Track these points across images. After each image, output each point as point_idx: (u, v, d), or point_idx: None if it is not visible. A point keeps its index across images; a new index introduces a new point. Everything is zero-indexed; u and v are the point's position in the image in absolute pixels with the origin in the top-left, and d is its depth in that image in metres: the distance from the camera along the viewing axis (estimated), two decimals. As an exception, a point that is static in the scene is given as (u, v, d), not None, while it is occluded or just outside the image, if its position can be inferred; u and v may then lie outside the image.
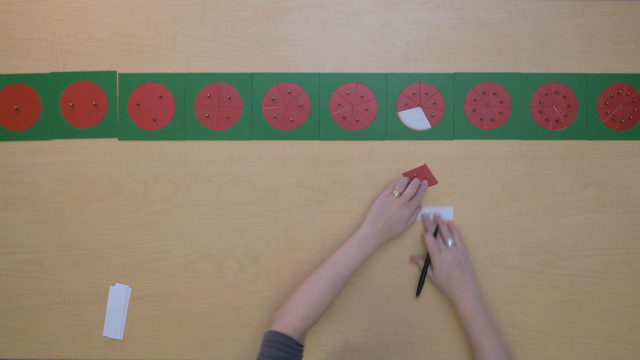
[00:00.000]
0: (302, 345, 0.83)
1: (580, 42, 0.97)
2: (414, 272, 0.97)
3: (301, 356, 0.82)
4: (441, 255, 0.91)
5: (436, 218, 0.96)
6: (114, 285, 0.97)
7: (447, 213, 0.97)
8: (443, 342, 0.97)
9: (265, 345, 0.80)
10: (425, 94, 0.97)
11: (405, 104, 0.97)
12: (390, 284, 0.97)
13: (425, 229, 0.96)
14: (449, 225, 0.96)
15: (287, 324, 0.82)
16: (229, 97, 0.97)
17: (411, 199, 0.92)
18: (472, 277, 0.92)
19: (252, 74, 0.97)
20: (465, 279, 0.90)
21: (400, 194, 0.92)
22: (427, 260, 0.94)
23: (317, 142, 0.97)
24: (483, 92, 0.97)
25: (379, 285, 0.97)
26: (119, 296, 0.96)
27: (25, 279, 0.97)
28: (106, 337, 0.97)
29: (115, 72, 0.97)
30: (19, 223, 0.97)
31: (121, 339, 0.97)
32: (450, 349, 0.96)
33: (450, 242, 0.93)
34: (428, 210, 0.97)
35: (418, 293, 0.95)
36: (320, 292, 0.85)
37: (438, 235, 0.95)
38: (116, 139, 0.97)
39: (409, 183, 0.93)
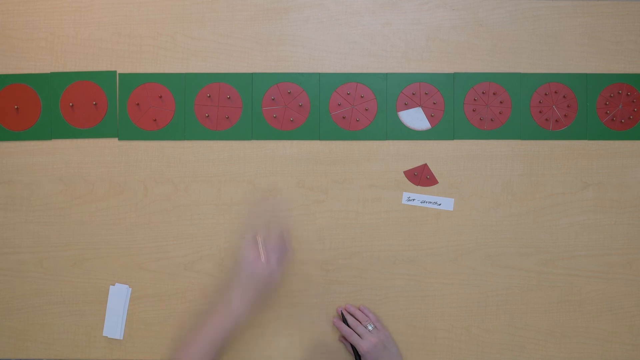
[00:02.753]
0: None
1: (580, 42, 0.97)
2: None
3: None
4: (365, 342, 0.88)
5: (346, 307, 0.94)
6: (114, 285, 0.97)
7: (448, 204, 0.96)
8: (443, 342, 0.97)
9: None
10: (425, 94, 0.97)
11: (405, 104, 0.97)
12: (390, 284, 0.97)
13: (338, 315, 0.95)
14: (361, 309, 0.94)
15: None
16: (229, 97, 0.97)
17: (279, 258, 0.86)
18: (399, 355, 0.91)
19: (252, 74, 0.97)
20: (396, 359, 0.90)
21: (265, 257, 0.84)
22: (355, 348, 0.91)
23: (317, 142, 0.97)
24: (483, 92, 0.97)
25: (380, 286, 0.97)
26: (119, 296, 0.96)
27: (25, 279, 0.97)
28: (106, 337, 0.97)
29: (115, 72, 0.97)
30: (19, 223, 0.97)
31: (121, 339, 0.97)
32: (450, 349, 0.96)
33: (370, 327, 0.90)
34: (429, 199, 0.96)
35: None
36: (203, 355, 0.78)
37: (354, 320, 0.92)
38: (116, 139, 0.97)
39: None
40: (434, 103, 0.97)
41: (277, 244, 0.88)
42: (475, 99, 0.97)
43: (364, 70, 0.97)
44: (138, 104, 0.97)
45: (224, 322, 0.82)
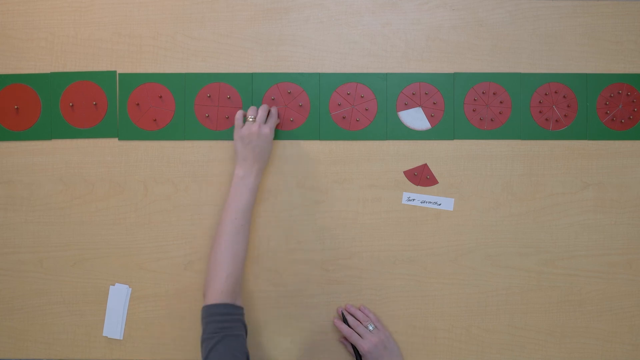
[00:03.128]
0: (240, 307, 0.83)
1: (580, 42, 0.97)
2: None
3: (242, 318, 0.81)
4: (366, 342, 0.88)
5: (346, 307, 0.95)
6: (114, 285, 0.97)
7: (448, 204, 0.96)
8: (443, 342, 0.97)
9: (204, 323, 0.80)
10: (425, 94, 0.97)
11: (405, 104, 0.97)
12: (390, 284, 0.97)
13: (339, 316, 0.95)
14: (361, 309, 0.95)
15: (213, 293, 0.82)
16: (229, 97, 0.97)
17: (266, 120, 0.92)
18: (400, 355, 0.91)
19: (252, 74, 0.97)
20: (396, 359, 0.90)
21: (255, 118, 0.90)
22: (355, 348, 0.91)
23: (317, 142, 0.97)
24: (483, 92, 0.97)
25: (380, 286, 0.97)
26: (119, 296, 0.96)
27: (25, 279, 0.97)
28: (106, 337, 0.97)
29: (115, 72, 0.97)
30: (19, 223, 0.97)
31: (121, 339, 0.97)
32: (450, 349, 0.96)
33: (371, 327, 0.90)
34: (429, 199, 0.96)
35: None
36: (228, 247, 0.84)
37: (354, 320, 0.92)
38: (116, 139, 0.97)
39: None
40: (434, 103, 0.97)
41: (265, 109, 0.92)
42: (475, 99, 0.97)
43: (364, 70, 0.97)
44: (138, 104, 0.97)
45: (238, 192, 0.88)
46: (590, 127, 0.97)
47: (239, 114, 0.92)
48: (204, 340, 0.79)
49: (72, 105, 0.97)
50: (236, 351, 0.77)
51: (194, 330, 0.96)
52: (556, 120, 0.97)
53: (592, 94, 0.97)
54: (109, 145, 0.97)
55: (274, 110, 0.94)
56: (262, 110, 0.91)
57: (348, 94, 0.97)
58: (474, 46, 0.97)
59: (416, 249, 0.97)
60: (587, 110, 0.97)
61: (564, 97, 0.97)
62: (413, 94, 0.97)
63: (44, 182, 0.97)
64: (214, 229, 0.96)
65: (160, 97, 0.97)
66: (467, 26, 0.98)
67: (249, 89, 0.97)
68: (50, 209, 0.97)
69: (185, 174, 0.97)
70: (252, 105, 0.96)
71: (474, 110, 0.97)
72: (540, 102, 0.97)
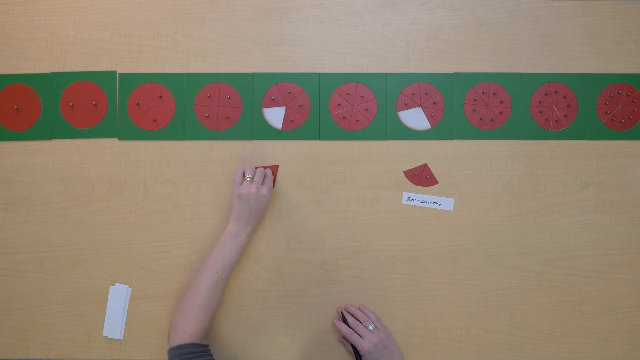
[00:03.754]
0: (206, 345, 0.84)
1: (580, 42, 0.98)
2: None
3: (210, 355, 0.82)
4: (366, 341, 0.88)
5: (346, 307, 0.95)
6: (114, 285, 0.97)
7: (448, 204, 0.96)
8: (443, 342, 0.97)
9: None
10: (425, 94, 0.97)
11: (405, 104, 0.97)
12: (390, 284, 0.97)
13: (338, 316, 0.95)
14: (361, 308, 0.95)
15: (182, 334, 0.83)
16: (229, 97, 0.97)
17: (263, 182, 0.92)
18: (400, 355, 0.91)
19: (252, 74, 0.97)
20: (397, 359, 0.90)
21: (252, 178, 0.91)
22: (355, 348, 0.91)
23: (317, 142, 0.97)
24: (483, 92, 0.97)
25: (380, 286, 0.97)
26: (119, 296, 0.96)
27: (25, 279, 0.97)
28: (106, 337, 0.97)
29: (115, 72, 0.97)
30: (19, 223, 0.97)
31: (121, 339, 0.97)
32: (450, 349, 0.96)
33: (371, 327, 0.91)
34: (429, 199, 0.97)
35: None
36: (205, 295, 0.85)
37: (354, 320, 0.92)
38: (116, 139, 0.97)
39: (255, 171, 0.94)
40: (434, 103, 0.97)
41: (262, 172, 0.93)
42: (475, 99, 0.97)
43: (364, 70, 0.97)
44: (138, 104, 0.97)
45: (226, 248, 0.88)
46: (590, 127, 0.97)
47: (239, 172, 0.93)
48: None
49: (72, 105, 0.97)
50: None
51: (194, 330, 0.96)
52: (556, 120, 0.97)
53: (592, 94, 0.97)
54: (109, 145, 0.97)
55: (269, 172, 0.94)
56: (260, 172, 0.92)
57: (348, 94, 0.97)
58: (474, 46, 0.97)
59: (416, 249, 0.97)
60: (587, 110, 0.97)
61: (564, 97, 0.97)
62: (413, 94, 0.97)
63: (44, 182, 0.97)
64: (214, 229, 0.96)
65: (160, 97, 0.97)
66: (467, 26, 0.98)
67: (249, 89, 0.97)
68: (50, 209, 0.97)
69: (185, 174, 0.97)
70: (251, 104, 0.96)
71: (474, 110, 0.97)
72: (540, 102, 0.97)
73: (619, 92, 0.97)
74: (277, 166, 0.96)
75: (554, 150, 0.97)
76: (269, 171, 0.95)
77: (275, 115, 0.97)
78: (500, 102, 0.97)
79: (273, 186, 0.96)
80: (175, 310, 0.88)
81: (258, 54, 0.97)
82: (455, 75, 0.97)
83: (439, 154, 0.97)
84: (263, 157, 0.97)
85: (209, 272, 0.87)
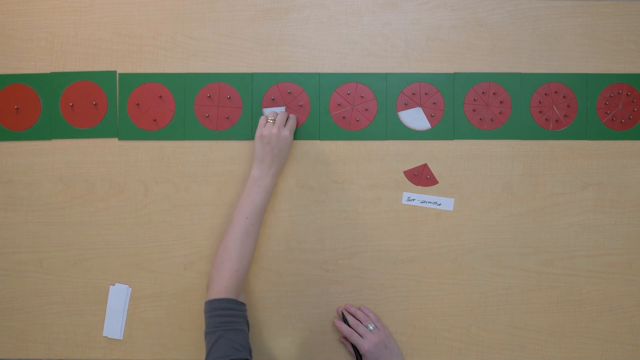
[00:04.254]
0: (242, 304, 0.83)
1: (580, 42, 0.97)
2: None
3: (244, 314, 0.82)
4: (366, 341, 0.88)
5: (346, 307, 0.95)
6: (114, 285, 0.97)
7: (448, 204, 0.96)
8: (443, 342, 0.97)
9: (207, 317, 0.80)
10: (425, 94, 0.97)
11: (405, 104, 0.97)
12: (390, 284, 0.97)
13: (339, 316, 0.95)
14: (361, 308, 0.95)
15: (218, 288, 0.82)
16: (229, 97, 0.97)
17: (285, 124, 0.92)
18: (400, 354, 0.91)
19: (252, 74, 0.97)
20: (397, 358, 0.90)
21: (275, 120, 0.91)
22: (355, 348, 0.91)
23: (317, 142, 0.97)
24: (483, 92, 0.97)
25: (380, 286, 0.97)
26: (119, 296, 0.96)
27: (25, 279, 0.97)
28: (106, 337, 0.97)
29: (115, 72, 0.97)
30: (19, 223, 0.97)
31: (121, 339, 0.97)
32: (450, 349, 0.96)
33: (371, 327, 0.91)
34: (429, 199, 0.97)
35: None
36: (238, 244, 0.85)
37: (354, 319, 0.92)
38: (116, 139, 0.97)
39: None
40: (434, 103, 0.97)
41: (284, 114, 0.92)
42: (475, 99, 0.97)
43: (364, 70, 0.97)
44: (138, 104, 0.97)
45: (252, 192, 0.88)
46: (590, 127, 0.97)
47: (263, 118, 0.93)
48: (207, 334, 0.79)
49: (72, 105, 0.97)
50: (238, 345, 0.77)
51: (194, 330, 0.96)
52: (556, 120, 0.97)
53: (592, 94, 0.97)
54: (109, 145, 0.97)
55: (292, 116, 0.94)
56: (282, 114, 0.92)
57: (348, 94, 0.97)
58: (474, 46, 0.97)
59: (416, 249, 0.97)
60: (587, 110, 0.97)
61: (564, 97, 0.97)
62: (413, 94, 0.97)
63: (44, 182, 0.97)
64: (214, 229, 0.96)
65: (160, 97, 0.97)
66: (467, 26, 0.98)
67: (249, 89, 0.97)
68: (50, 209, 0.97)
69: (185, 174, 0.97)
70: (251, 104, 0.96)
71: (474, 110, 0.97)
72: (540, 102, 0.97)
73: (619, 92, 0.97)
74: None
75: (554, 150, 0.97)
76: (292, 116, 0.94)
77: (275, 115, 0.97)
78: (500, 102, 0.97)
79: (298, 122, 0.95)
80: (212, 265, 0.88)
81: (258, 54, 0.97)
82: (455, 75, 0.97)
83: (439, 154, 0.97)
84: (263, 157, 0.97)
85: (238, 219, 0.86)
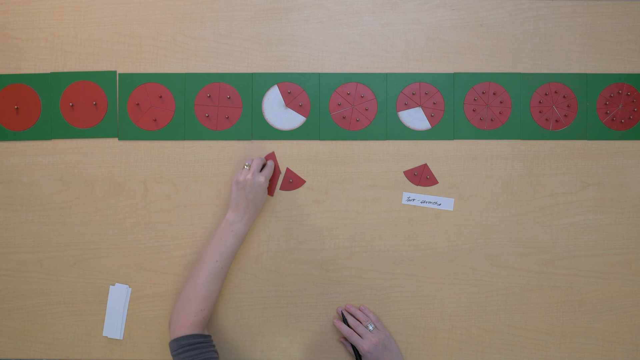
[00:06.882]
0: (208, 335, 0.84)
1: (580, 42, 0.98)
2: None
3: (212, 345, 0.83)
4: (366, 341, 0.89)
5: (346, 307, 0.95)
6: (114, 285, 0.97)
7: (448, 204, 0.96)
8: (443, 342, 0.97)
9: (174, 356, 0.80)
10: (425, 94, 0.97)
11: (405, 104, 0.97)
12: (390, 284, 0.97)
13: (338, 316, 0.95)
14: (361, 309, 0.95)
15: (184, 325, 0.83)
16: (229, 97, 0.97)
17: (262, 170, 0.92)
18: (400, 355, 0.91)
19: (252, 74, 0.97)
20: (397, 359, 0.90)
21: (249, 166, 0.92)
22: (355, 348, 0.91)
23: (317, 142, 0.97)
24: (483, 92, 0.97)
25: (380, 286, 0.97)
26: (119, 296, 0.96)
27: (25, 279, 0.97)
28: (106, 337, 0.97)
29: (115, 72, 0.97)
30: (19, 223, 0.97)
31: (121, 339, 0.97)
32: (450, 349, 0.96)
33: (371, 327, 0.91)
34: (429, 199, 0.97)
35: None
36: (206, 285, 0.86)
37: (354, 320, 0.92)
38: (116, 139, 0.97)
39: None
40: (434, 103, 0.97)
41: (259, 160, 0.93)
42: (475, 99, 0.97)
43: (364, 70, 0.97)
44: (138, 104, 0.97)
45: (225, 236, 0.89)
46: (590, 127, 0.97)
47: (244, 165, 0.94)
48: None
49: (72, 105, 0.97)
50: None
51: (194, 330, 0.96)
52: (556, 120, 0.97)
53: (592, 94, 0.97)
54: (109, 145, 0.97)
55: (269, 162, 0.94)
56: (258, 160, 0.92)
57: (348, 94, 0.97)
58: (474, 46, 0.97)
59: (416, 249, 0.97)
60: (587, 110, 0.97)
61: (564, 97, 0.97)
62: (413, 94, 0.97)
63: (44, 182, 0.97)
64: (214, 229, 0.96)
65: (160, 97, 0.97)
66: (467, 26, 0.98)
67: (249, 89, 0.97)
68: (50, 209, 0.97)
69: (185, 174, 0.97)
70: (251, 104, 0.96)
71: (474, 110, 0.97)
72: (540, 102, 0.97)
73: (619, 92, 0.97)
74: (273, 153, 0.96)
75: (554, 150, 0.97)
76: (269, 162, 0.95)
77: (275, 115, 0.97)
78: (500, 102, 0.97)
79: (276, 169, 0.96)
80: (175, 301, 0.88)
81: (258, 54, 0.97)
82: (455, 75, 0.97)
83: (439, 154, 0.97)
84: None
85: (208, 261, 0.87)
